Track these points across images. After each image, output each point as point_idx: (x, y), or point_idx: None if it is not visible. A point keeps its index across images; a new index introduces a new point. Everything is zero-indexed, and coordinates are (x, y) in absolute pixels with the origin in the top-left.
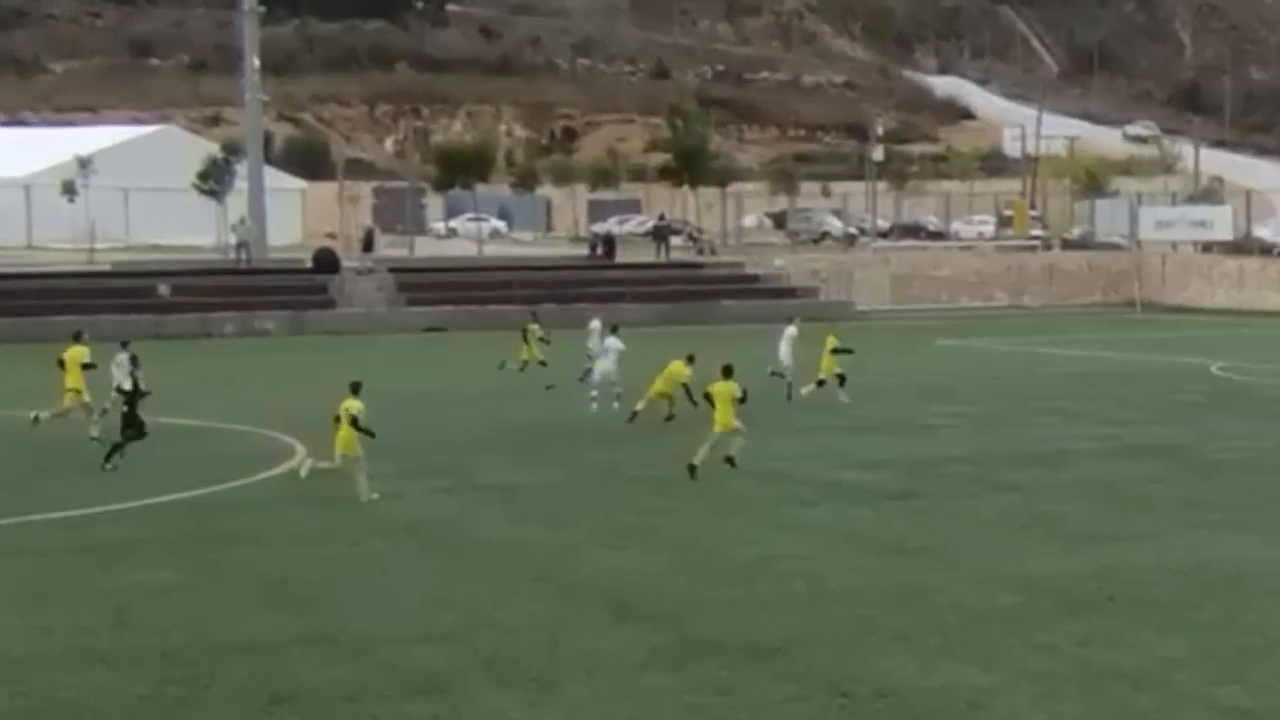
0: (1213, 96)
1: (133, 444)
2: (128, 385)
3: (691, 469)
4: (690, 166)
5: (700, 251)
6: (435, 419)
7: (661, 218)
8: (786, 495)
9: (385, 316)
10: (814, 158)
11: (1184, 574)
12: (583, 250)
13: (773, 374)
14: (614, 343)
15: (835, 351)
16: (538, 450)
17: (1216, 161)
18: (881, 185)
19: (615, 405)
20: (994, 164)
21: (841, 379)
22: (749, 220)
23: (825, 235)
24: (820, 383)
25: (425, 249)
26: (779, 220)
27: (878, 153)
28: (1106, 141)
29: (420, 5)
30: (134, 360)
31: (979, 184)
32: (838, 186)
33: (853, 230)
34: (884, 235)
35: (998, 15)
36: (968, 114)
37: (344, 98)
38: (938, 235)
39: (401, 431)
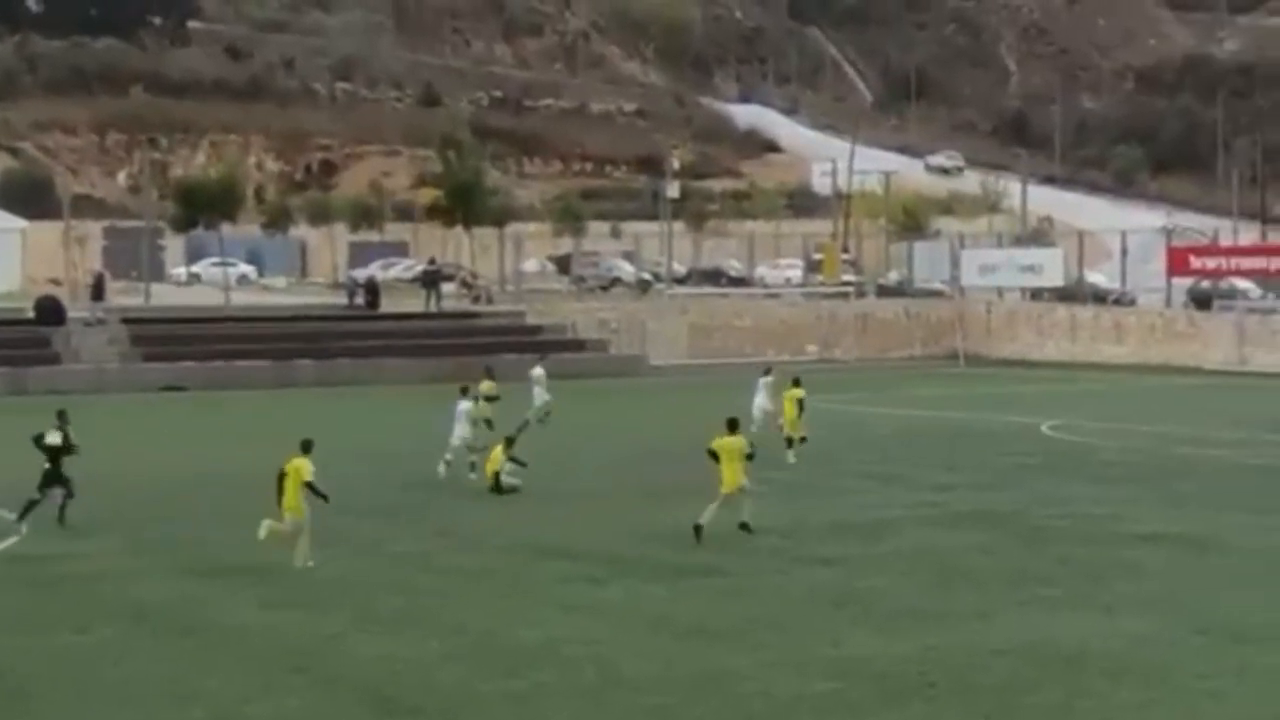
0: (1041, 127)
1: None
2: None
3: (697, 530)
4: (464, 204)
5: (475, 300)
6: (172, 489)
7: (431, 262)
8: (573, 572)
9: (117, 373)
10: (603, 194)
11: (1014, 655)
12: (341, 299)
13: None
14: (465, 406)
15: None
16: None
17: (1046, 199)
18: (678, 225)
19: (472, 475)
20: (802, 202)
21: (795, 440)
22: (530, 265)
23: (615, 281)
24: (802, 439)
25: (163, 297)
26: (564, 264)
27: (673, 189)
28: (926, 178)
29: (157, 21)
30: (62, 416)
31: (786, 224)
32: (629, 227)
33: (646, 276)
34: (680, 281)
35: (805, 37)
36: (773, 146)
37: (70, 124)
38: (740, 281)
39: (133, 503)
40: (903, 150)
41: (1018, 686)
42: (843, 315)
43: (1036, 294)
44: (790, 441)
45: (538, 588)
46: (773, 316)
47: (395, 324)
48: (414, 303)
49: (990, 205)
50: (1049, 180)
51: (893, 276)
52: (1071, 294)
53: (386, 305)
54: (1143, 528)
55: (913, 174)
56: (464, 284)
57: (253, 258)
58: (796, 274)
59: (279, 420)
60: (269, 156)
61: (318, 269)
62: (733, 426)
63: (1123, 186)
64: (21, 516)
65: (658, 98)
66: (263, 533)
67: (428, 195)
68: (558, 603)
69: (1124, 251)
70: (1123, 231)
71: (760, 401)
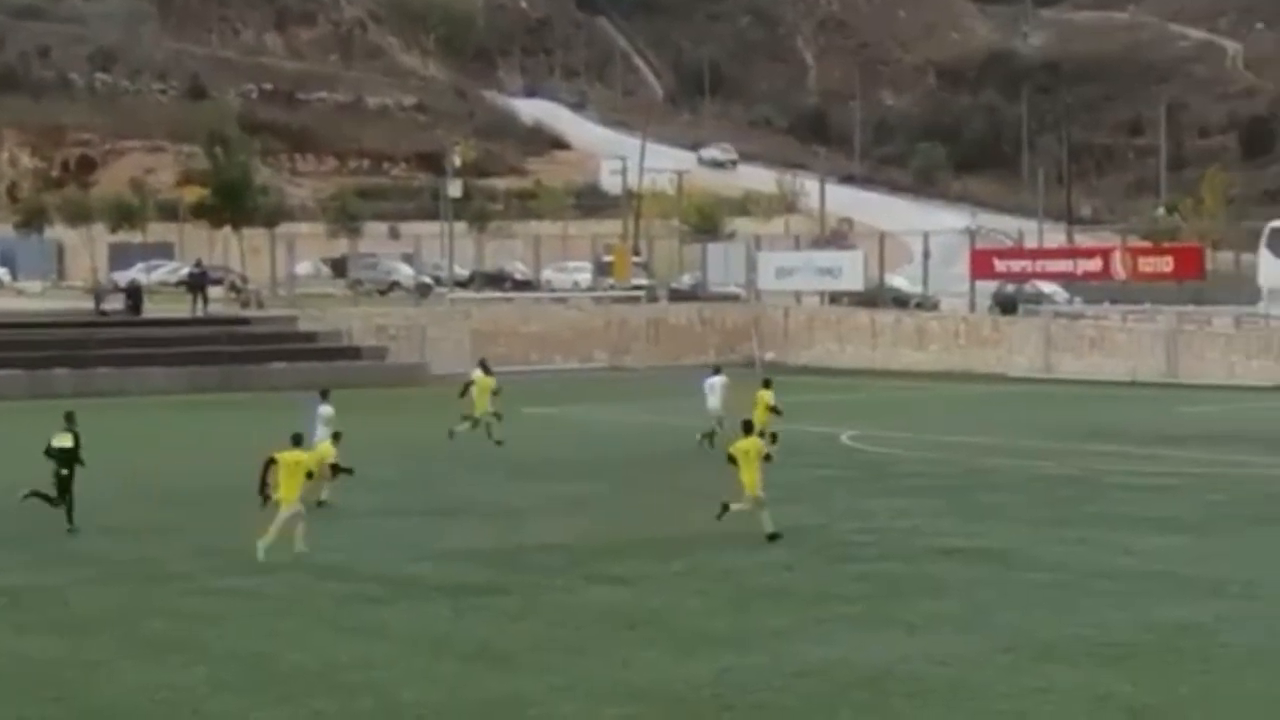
0: (840, 125)
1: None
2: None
3: (771, 537)
4: (232, 203)
5: (244, 304)
6: None
7: (198, 264)
8: (350, 593)
9: None
10: (380, 193)
11: (814, 676)
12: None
13: (703, 437)
14: (325, 410)
15: (772, 409)
16: (54, 543)
17: (845, 199)
18: (460, 226)
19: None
20: (591, 201)
21: (774, 437)
22: (303, 267)
23: (394, 285)
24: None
25: None
26: (339, 267)
27: (455, 188)
28: (721, 177)
29: None
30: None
31: (574, 225)
32: (408, 227)
33: (426, 279)
34: (463, 285)
35: (594, 28)
36: (560, 143)
37: None
38: (526, 285)
39: None
40: (696, 148)
41: (817, 709)
42: (634, 321)
43: (836, 298)
44: (774, 438)
45: (313, 610)
46: (560, 322)
47: (159, 330)
48: (179, 308)
49: (787, 205)
50: (848, 179)
51: (686, 280)
52: (872, 298)
53: (149, 311)
54: (946, 542)
55: (706, 173)
56: (232, 288)
57: (4, 260)
58: (585, 277)
59: (33, 434)
60: (23, 152)
61: (76, 272)
62: (748, 429)
63: (925, 186)
64: (69, 519)
65: (439, 91)
66: (266, 542)
67: (194, 194)
68: (334, 625)
69: (926, 254)
70: (925, 233)
71: (713, 404)
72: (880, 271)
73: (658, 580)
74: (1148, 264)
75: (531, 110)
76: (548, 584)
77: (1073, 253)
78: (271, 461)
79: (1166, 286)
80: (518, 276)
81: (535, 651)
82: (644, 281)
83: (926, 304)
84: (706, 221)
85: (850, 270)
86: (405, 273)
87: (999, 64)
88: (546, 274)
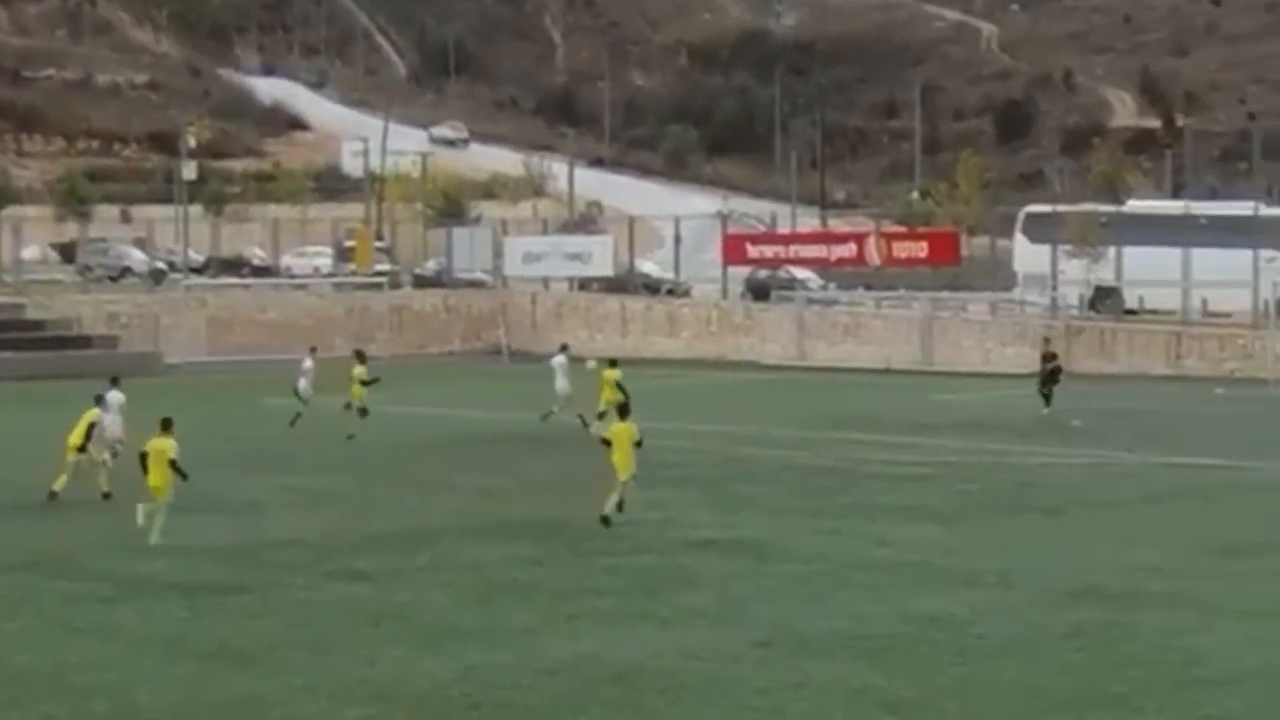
0: (589, 106)
1: None
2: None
3: (604, 520)
4: None
5: None
6: None
7: None
8: (81, 592)
9: None
10: (111, 175)
11: (564, 673)
12: None
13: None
14: (115, 397)
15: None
16: None
17: (594, 183)
18: (194, 209)
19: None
20: (332, 184)
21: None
22: (30, 252)
23: (126, 271)
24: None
25: None
26: (68, 252)
27: (189, 170)
28: (466, 159)
29: None
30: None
31: (314, 208)
32: (141, 211)
33: (160, 265)
34: (198, 271)
35: (334, 5)
36: (299, 123)
37: None
38: (264, 271)
39: None
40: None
41: (566, 707)
42: (376, 308)
43: (585, 284)
44: (584, 420)
45: (41, 609)
46: (300, 309)
47: None
48: None
49: (535, 189)
50: (597, 162)
51: (430, 265)
52: (622, 284)
53: None
54: (700, 534)
55: (451, 155)
56: None
57: None
58: (326, 263)
59: None
60: None
61: None
62: (623, 412)
63: (676, 169)
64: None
65: (172, 69)
66: (140, 518)
67: None
68: (65, 626)
69: (677, 239)
70: (676, 217)
71: (561, 384)
72: (630, 257)
73: (402, 575)
74: (902, 249)
75: (269, 89)
76: (288, 581)
77: (826, 238)
78: (144, 455)
79: (921, 272)
80: (255, 262)
81: (275, 651)
82: (387, 267)
83: (678, 290)
84: (451, 205)
85: (599, 256)
86: (138, 258)
87: (751, 44)
88: (285, 260)
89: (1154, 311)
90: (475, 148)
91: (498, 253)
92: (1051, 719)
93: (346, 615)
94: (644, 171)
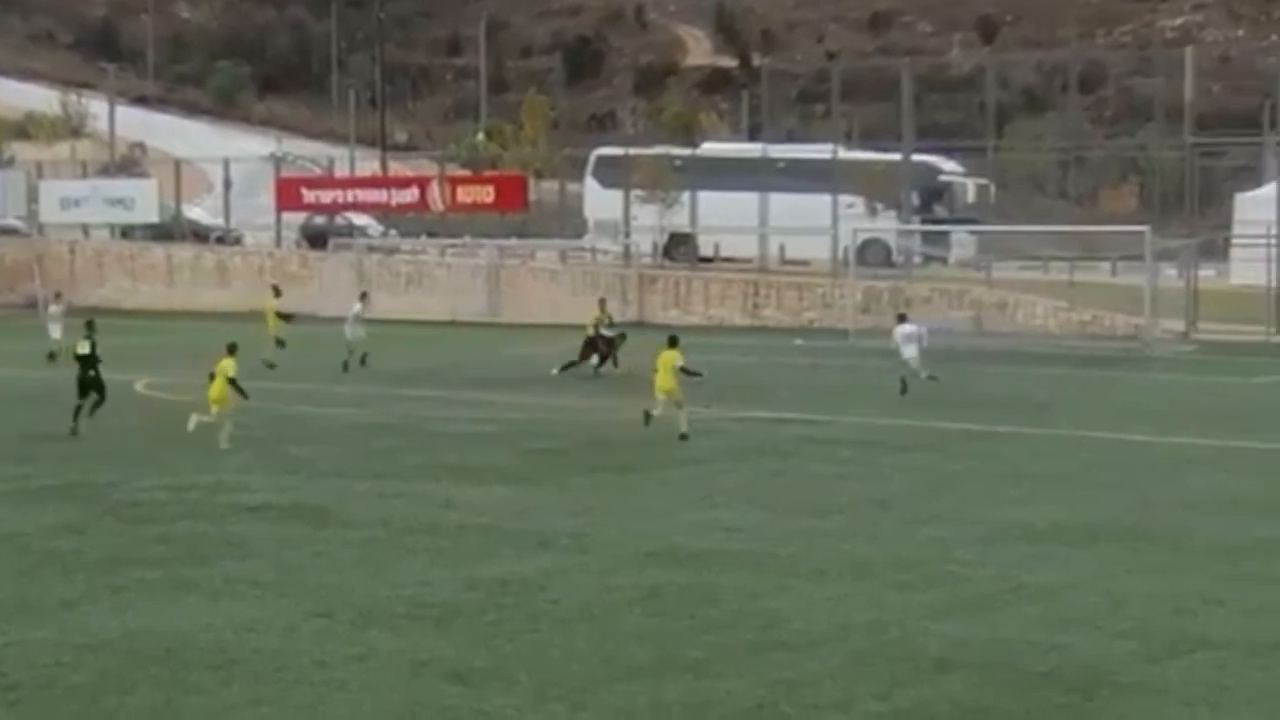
0: (132, 40)
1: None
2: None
3: (684, 436)
4: None
5: None
6: None
7: None
8: None
9: None
10: None
11: (109, 650)
12: None
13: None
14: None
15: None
16: None
17: (137, 123)
18: None
19: None
20: None
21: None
22: None
23: None
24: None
25: None
26: None
27: None
28: None
29: None
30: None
31: None
32: None
33: None
34: None
35: None
36: None
37: None
38: None
39: None
40: None
41: (113, 686)
42: None
43: (128, 232)
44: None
45: None
46: None
47: None
48: None
49: (73, 129)
50: (141, 100)
51: None
52: (168, 232)
53: None
54: (254, 499)
55: None
56: None
57: None
58: None
59: None
60: None
61: None
62: (673, 342)
63: (225, 108)
64: (75, 420)
65: None
66: (191, 425)
67: None
68: None
69: (227, 183)
70: (226, 160)
71: (354, 331)
72: (177, 202)
73: None
74: (467, 194)
75: None
76: None
77: (387, 182)
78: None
79: (488, 218)
80: None
81: None
82: None
83: (229, 238)
84: None
85: (143, 201)
86: None
87: None
88: None
89: (730, 259)
90: (7, 84)
91: (33, 198)
92: (627, 685)
93: None
94: (191, 111)
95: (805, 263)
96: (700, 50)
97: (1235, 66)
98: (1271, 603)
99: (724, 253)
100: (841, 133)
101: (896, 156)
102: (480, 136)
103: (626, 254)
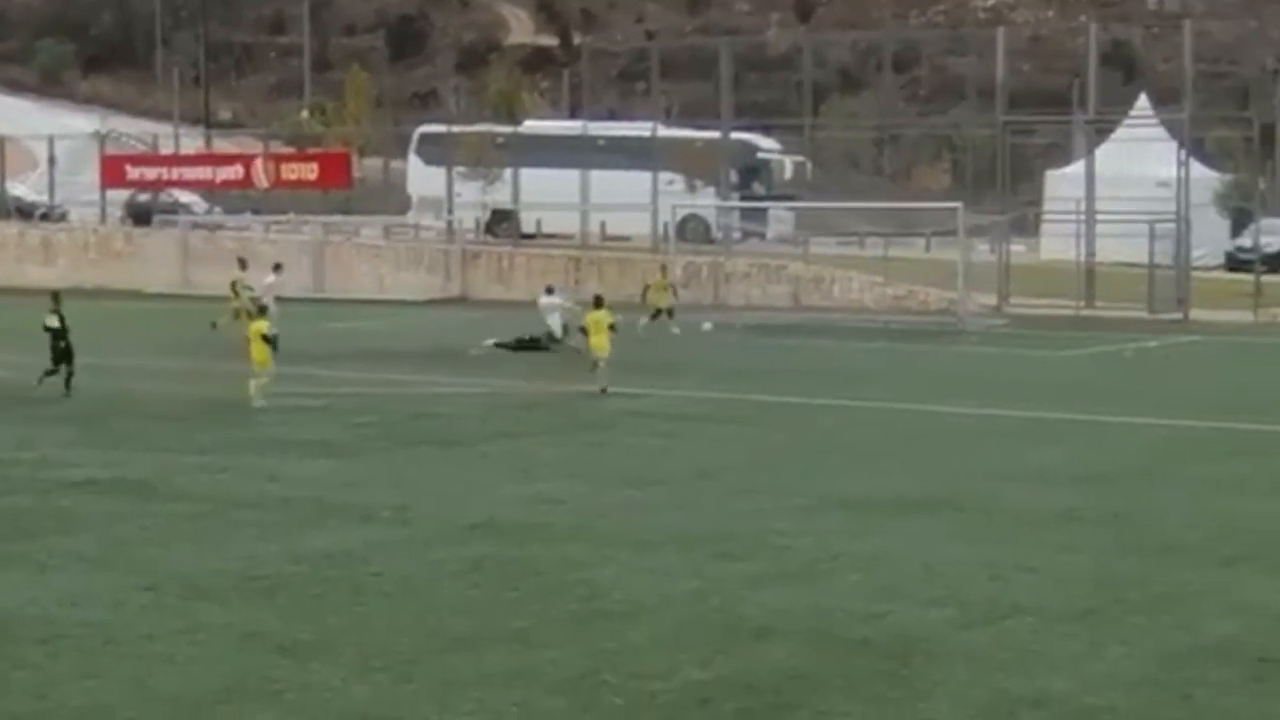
0: None
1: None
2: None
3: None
4: None
5: None
6: None
7: None
8: None
9: None
10: None
11: None
12: None
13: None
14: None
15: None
16: None
17: None
18: None
19: None
20: None
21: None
22: None
23: None
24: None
25: None
26: None
27: None
28: None
29: None
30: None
31: None
32: None
33: None
34: None
35: None
36: None
37: None
38: None
39: None
40: None
41: None
42: None
43: None
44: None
45: None
46: None
47: None
48: None
49: None
50: None
51: None
52: None
53: None
54: (78, 473)
55: None
56: None
57: None
58: None
59: None
60: None
61: None
62: (599, 302)
63: (50, 86)
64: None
65: None
66: (252, 389)
67: None
68: None
69: (52, 160)
70: (50, 137)
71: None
72: (1, 179)
73: None
74: (291, 171)
75: None
76: None
77: (211, 159)
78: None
79: (312, 195)
80: None
81: None
82: None
83: (54, 215)
84: None
85: None
86: None
87: None
88: None
89: (552, 235)
90: None
91: None
92: (452, 657)
93: None
94: (15, 88)
95: (626, 239)
96: (522, 29)
97: (1045, 47)
98: (1080, 570)
99: (546, 229)
100: (661, 111)
101: (715, 134)
102: (304, 114)
103: (450, 230)
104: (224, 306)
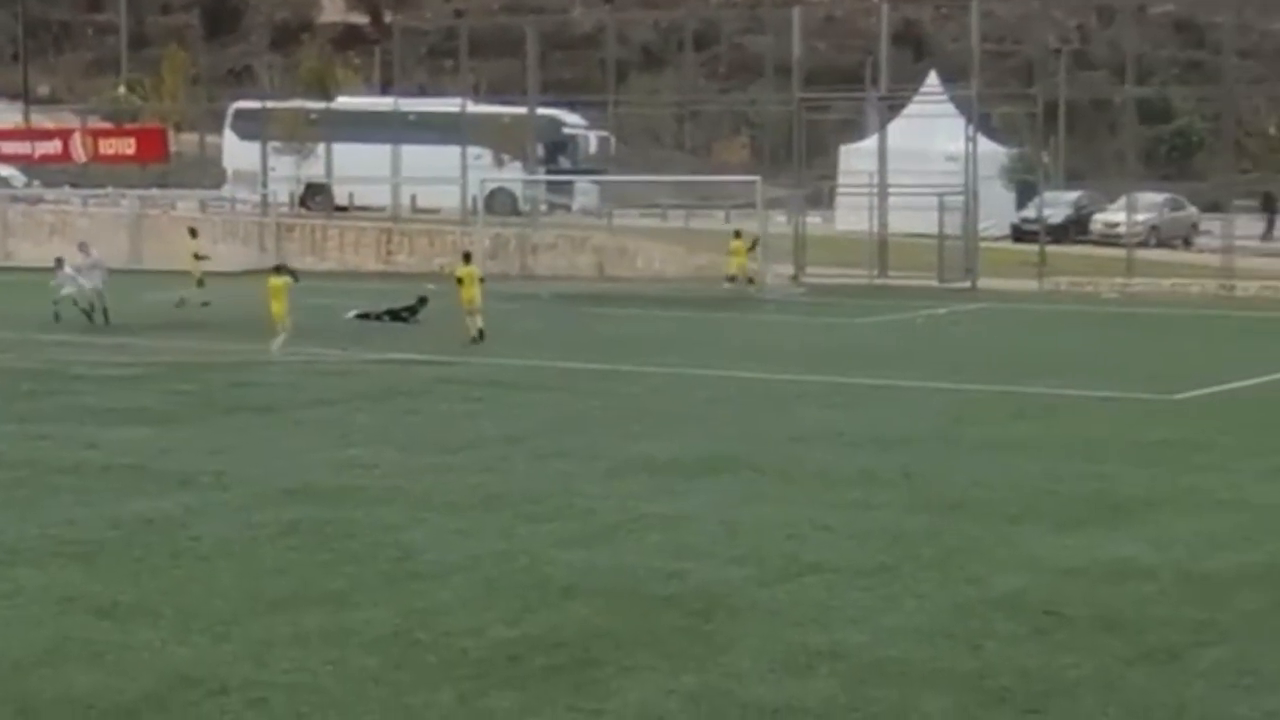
0: None
1: None
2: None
3: (480, 334)
4: None
5: None
6: None
7: None
8: None
9: None
10: None
11: None
12: None
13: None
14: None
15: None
16: None
17: None
18: None
19: None
20: None
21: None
22: None
23: None
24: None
25: None
26: None
27: None
28: None
29: None
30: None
31: None
32: None
33: None
34: None
35: None
36: None
37: None
38: None
39: None
40: None
41: None
42: None
43: None
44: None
45: None
46: None
47: None
48: None
49: None
50: None
51: None
52: None
53: None
54: None
55: None
56: None
57: None
58: None
59: None
60: None
61: None
62: (467, 258)
63: None
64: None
65: None
66: (275, 347)
67: None
68: None
69: None
70: None
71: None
72: None
73: None
74: (109, 146)
75: None
76: None
77: (30, 134)
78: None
79: (130, 169)
80: None
81: None
82: None
83: None
84: None
85: None
86: None
87: None
88: None
89: (365, 208)
90: None
91: None
92: (269, 618)
93: None
94: None
95: (436, 211)
96: (334, 7)
97: (839, 26)
98: (874, 527)
99: (358, 202)
100: (470, 87)
101: (522, 110)
102: (121, 90)
103: (264, 203)
104: (187, 279)
